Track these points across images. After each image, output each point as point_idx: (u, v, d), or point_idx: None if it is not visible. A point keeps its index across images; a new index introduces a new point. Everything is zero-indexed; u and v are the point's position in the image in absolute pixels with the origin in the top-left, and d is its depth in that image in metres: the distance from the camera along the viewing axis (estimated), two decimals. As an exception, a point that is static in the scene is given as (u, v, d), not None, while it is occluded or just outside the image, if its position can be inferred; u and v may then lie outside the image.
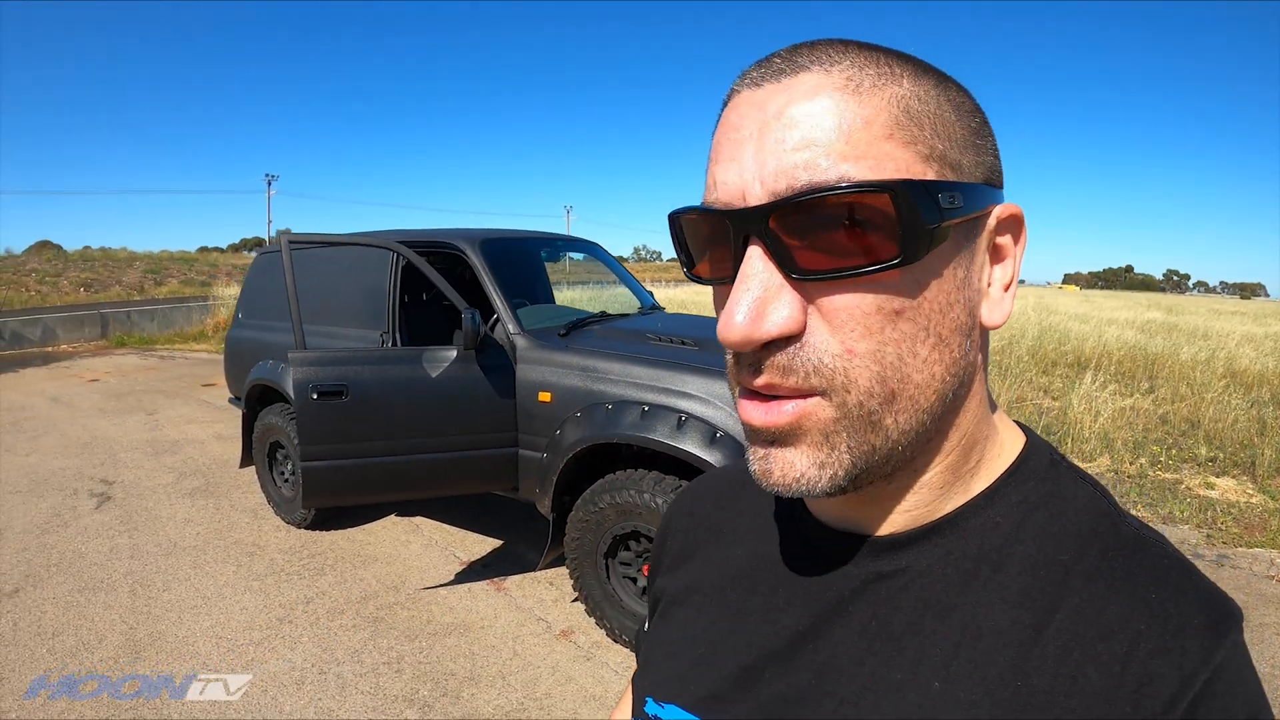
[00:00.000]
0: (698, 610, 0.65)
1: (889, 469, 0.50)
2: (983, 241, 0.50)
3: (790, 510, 0.63)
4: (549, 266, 6.03)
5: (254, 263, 5.97)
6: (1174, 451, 7.01)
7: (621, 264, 6.04)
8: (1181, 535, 5.13)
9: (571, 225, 68.04)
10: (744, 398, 0.49)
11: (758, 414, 0.48)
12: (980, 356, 0.53)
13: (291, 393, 4.84)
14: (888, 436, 0.48)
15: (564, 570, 4.49)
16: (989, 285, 0.51)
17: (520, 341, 4.01)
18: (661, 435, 3.30)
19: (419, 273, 4.95)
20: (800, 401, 0.47)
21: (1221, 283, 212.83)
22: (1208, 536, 5.10)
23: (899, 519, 0.54)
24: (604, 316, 4.66)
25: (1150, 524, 4.55)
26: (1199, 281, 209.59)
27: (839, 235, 0.44)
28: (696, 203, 0.52)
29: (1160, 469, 6.55)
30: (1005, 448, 0.56)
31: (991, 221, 0.50)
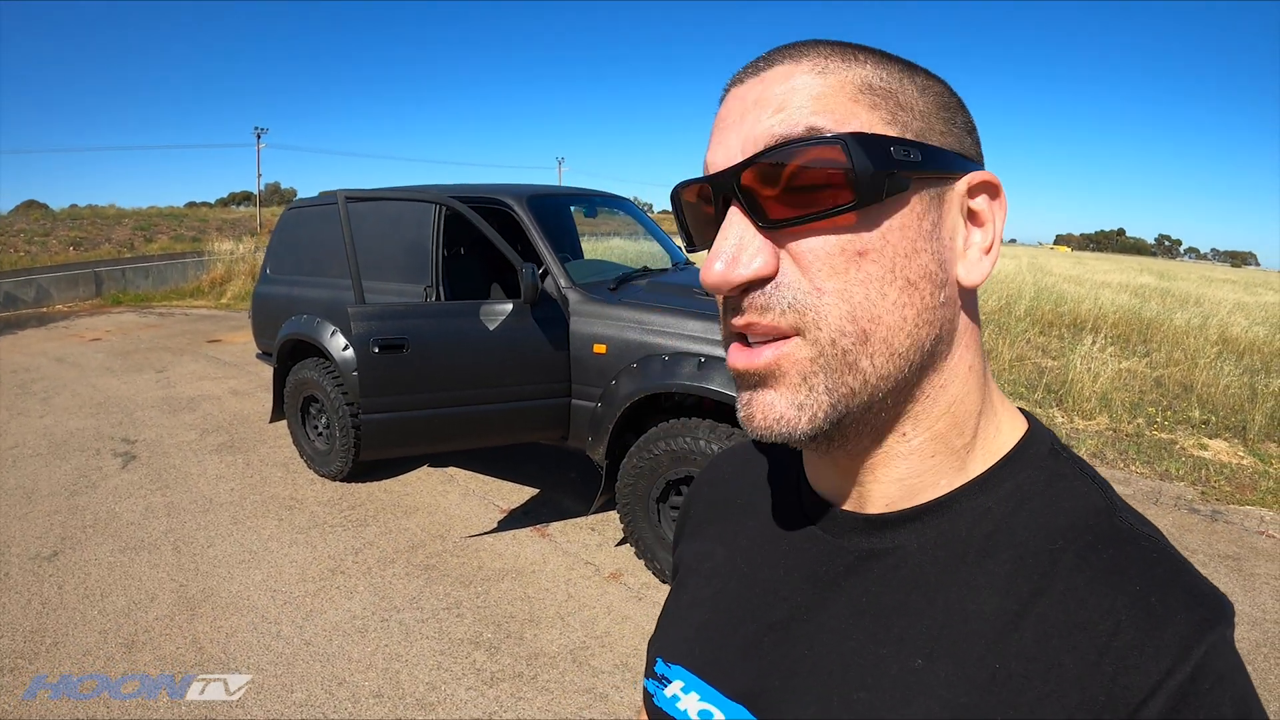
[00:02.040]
0: (708, 578, 0.68)
1: (873, 422, 0.53)
2: (953, 202, 0.52)
3: (796, 484, 0.66)
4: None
5: (281, 218, 5.88)
6: (1169, 413, 7.14)
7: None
8: (1178, 491, 5.27)
9: (564, 177, 67.16)
10: (733, 346, 0.53)
11: (741, 358, 0.52)
12: (965, 321, 0.55)
13: (329, 347, 4.85)
14: (865, 379, 0.50)
15: (605, 516, 4.55)
16: (966, 247, 0.53)
17: (573, 295, 4.05)
18: (719, 385, 3.38)
19: (459, 227, 4.90)
20: (779, 343, 0.50)
21: (1213, 249, 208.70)
22: (1202, 493, 5.24)
23: (891, 490, 0.55)
24: (646, 271, 4.68)
25: (1146, 479, 4.67)
26: (1190, 248, 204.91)
27: (801, 185, 0.48)
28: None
29: (1156, 429, 6.70)
30: (1004, 431, 0.57)
31: (962, 185, 0.52)
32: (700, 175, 0.55)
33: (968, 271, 0.53)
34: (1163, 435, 6.53)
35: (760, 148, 0.49)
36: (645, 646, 3.01)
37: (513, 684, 3.00)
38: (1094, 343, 8.84)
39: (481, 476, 5.30)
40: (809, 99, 0.49)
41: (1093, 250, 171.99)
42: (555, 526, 4.47)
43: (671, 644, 0.66)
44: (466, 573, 3.87)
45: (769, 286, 0.50)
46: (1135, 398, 7.61)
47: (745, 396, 0.53)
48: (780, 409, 0.51)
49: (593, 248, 6.86)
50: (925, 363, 0.52)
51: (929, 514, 0.54)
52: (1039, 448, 0.56)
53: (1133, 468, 5.70)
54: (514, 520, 4.56)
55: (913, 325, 0.50)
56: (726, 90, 0.55)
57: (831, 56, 0.52)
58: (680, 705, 0.62)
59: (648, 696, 0.66)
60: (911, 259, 0.50)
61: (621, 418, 3.74)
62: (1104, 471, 5.55)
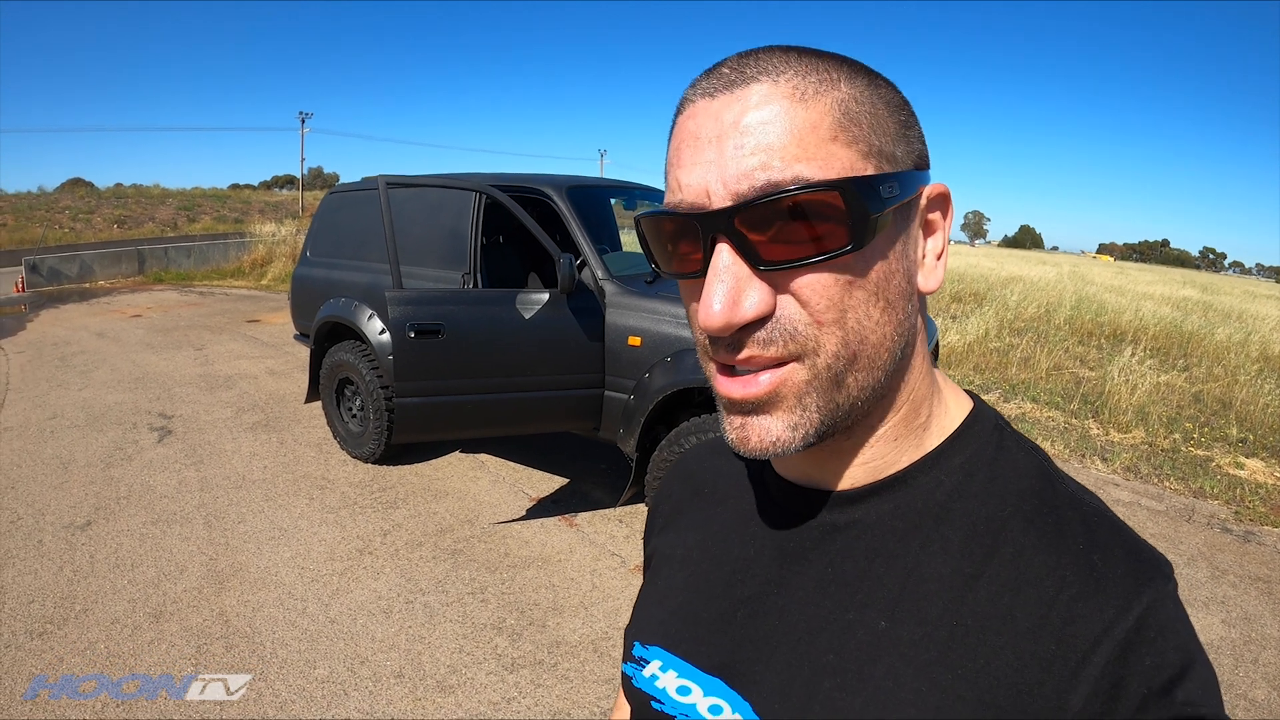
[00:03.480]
0: (681, 564, 0.71)
1: (849, 424, 0.56)
2: (916, 218, 0.56)
3: (760, 471, 0.69)
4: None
5: (324, 201, 5.95)
6: (1206, 430, 6.96)
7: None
8: (1211, 510, 5.11)
9: (605, 169, 67.18)
10: (721, 374, 0.54)
11: (736, 388, 0.53)
12: (920, 319, 0.58)
13: (366, 330, 4.88)
14: (849, 394, 0.53)
15: (633, 508, 4.53)
16: (923, 256, 0.57)
17: (609, 287, 4.04)
18: None
19: (498, 215, 4.89)
20: (775, 370, 0.51)
21: (1258, 265, 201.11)
22: (1236, 513, 5.07)
23: (857, 472, 0.59)
24: None
25: (1180, 496, 4.51)
26: (1235, 262, 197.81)
27: (797, 229, 0.48)
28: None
29: (1192, 446, 6.52)
30: (951, 410, 0.61)
31: (922, 201, 0.55)
32: (663, 188, 0.57)
33: (926, 280, 0.57)
34: (1199, 452, 6.36)
35: (746, 188, 0.49)
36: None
37: (533, 671, 2.99)
38: (1133, 354, 8.71)
39: (512, 464, 5.31)
40: (793, 139, 0.49)
41: (1135, 260, 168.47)
42: (583, 517, 4.45)
43: (648, 627, 0.69)
44: (493, 559, 3.87)
45: (769, 323, 0.51)
46: (1173, 412, 7.44)
47: (738, 421, 0.54)
48: (776, 432, 0.52)
49: (632, 240, 6.85)
50: (897, 368, 0.56)
51: (887, 489, 0.58)
52: (984, 424, 0.60)
53: (1167, 484, 5.55)
54: (542, 509, 4.56)
55: (892, 341, 0.54)
56: (693, 99, 0.54)
57: (808, 76, 0.51)
58: (659, 684, 0.64)
59: (626, 680, 0.68)
60: (890, 281, 0.53)
61: (653, 411, 3.72)
62: (1137, 486, 5.45)
